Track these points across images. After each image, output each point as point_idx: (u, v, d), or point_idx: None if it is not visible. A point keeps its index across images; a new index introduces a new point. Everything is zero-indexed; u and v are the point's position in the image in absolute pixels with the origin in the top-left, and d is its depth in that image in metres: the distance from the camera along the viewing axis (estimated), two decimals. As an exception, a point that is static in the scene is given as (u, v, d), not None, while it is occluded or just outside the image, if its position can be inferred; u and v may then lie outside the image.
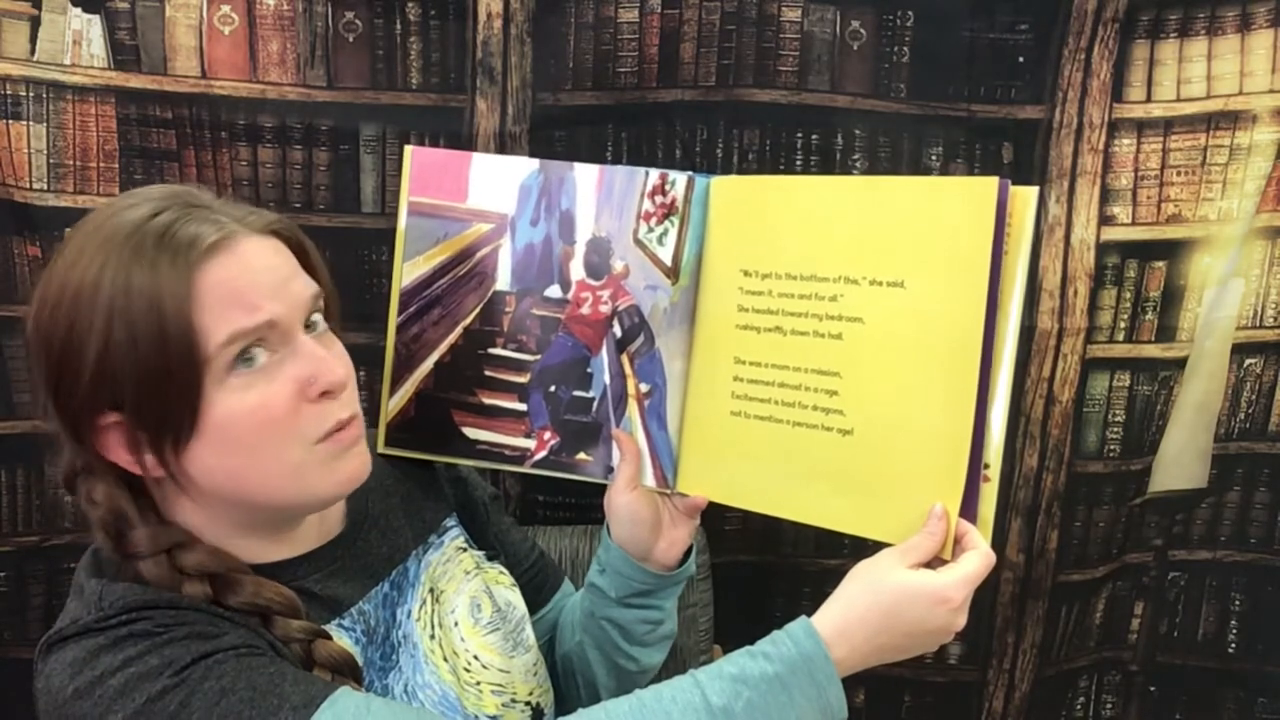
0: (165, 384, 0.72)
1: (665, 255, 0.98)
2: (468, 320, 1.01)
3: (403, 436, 1.00)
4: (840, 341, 0.88)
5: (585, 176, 0.99)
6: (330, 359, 0.78)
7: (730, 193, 0.97)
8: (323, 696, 0.72)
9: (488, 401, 1.01)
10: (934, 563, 0.83)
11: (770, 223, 0.94)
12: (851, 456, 0.88)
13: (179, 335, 0.71)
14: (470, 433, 1.01)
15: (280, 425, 0.76)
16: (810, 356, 0.90)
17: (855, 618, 0.79)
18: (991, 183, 0.81)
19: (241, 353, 0.74)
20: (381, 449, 1.00)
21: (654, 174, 0.98)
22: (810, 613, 0.80)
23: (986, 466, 0.85)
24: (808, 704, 0.76)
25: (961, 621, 0.80)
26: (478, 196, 1.00)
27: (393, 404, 1.01)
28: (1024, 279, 0.84)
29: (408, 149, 1.00)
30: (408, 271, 1.00)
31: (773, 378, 0.92)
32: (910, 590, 0.79)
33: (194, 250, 0.73)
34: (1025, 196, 0.84)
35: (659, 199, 0.98)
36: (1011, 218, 0.84)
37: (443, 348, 1.01)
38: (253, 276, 0.76)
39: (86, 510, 0.79)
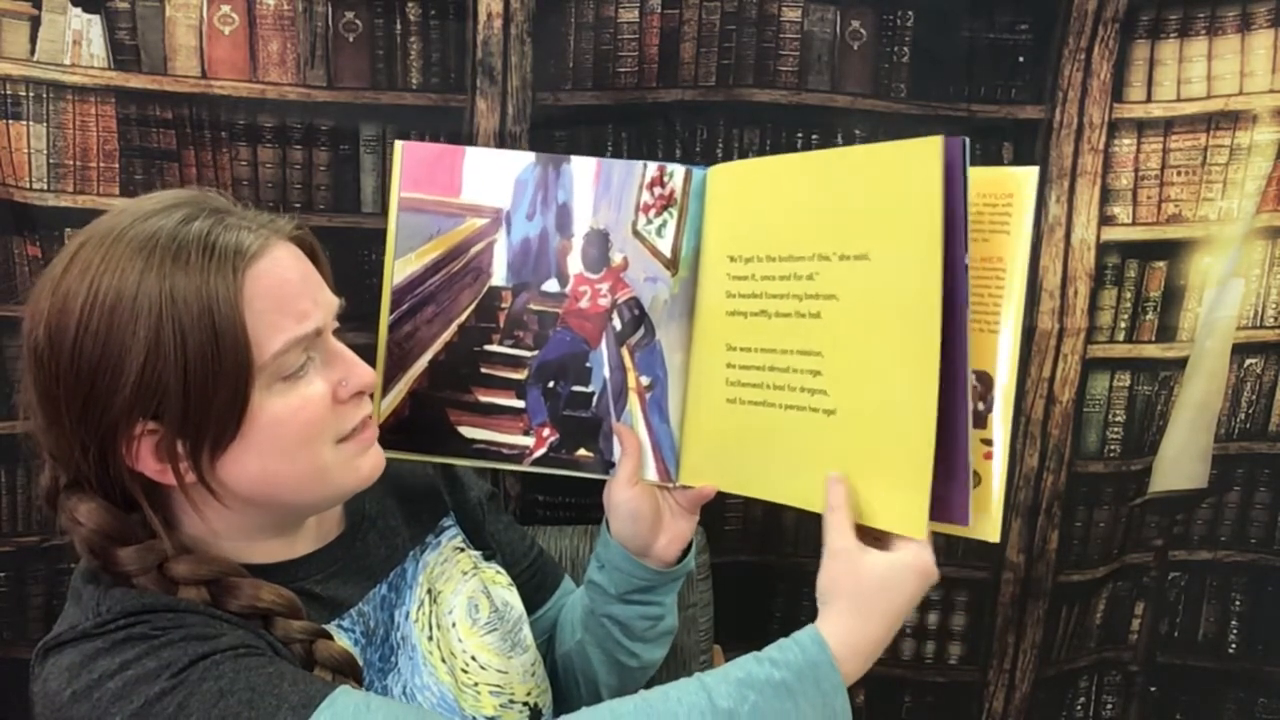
0: (213, 391, 0.72)
1: (664, 247, 0.97)
2: (462, 317, 1.00)
3: (397, 438, 0.98)
4: (819, 320, 0.86)
5: (582, 169, 0.99)
6: (359, 361, 0.81)
7: (721, 181, 0.96)
8: (321, 697, 0.72)
9: (484, 399, 1.00)
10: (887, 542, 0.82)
11: (751, 206, 0.93)
12: (835, 437, 0.85)
13: (232, 342, 0.72)
14: (467, 432, 1.01)
15: (317, 425, 0.78)
16: (794, 337, 0.88)
17: (859, 629, 0.79)
18: (935, 142, 0.77)
19: (292, 358, 0.76)
20: None
21: (652, 166, 0.98)
22: (810, 613, 0.80)
23: (990, 443, 0.84)
24: (813, 712, 0.76)
25: (936, 573, 0.81)
26: (471, 191, 0.99)
27: (385, 404, 0.99)
28: (1025, 261, 0.83)
29: (398, 144, 0.99)
30: (399, 269, 0.99)
31: (762, 362, 0.91)
32: (894, 573, 0.80)
33: (240, 257, 0.74)
34: (1024, 177, 0.83)
35: (657, 191, 0.97)
36: (1010, 198, 0.83)
37: (437, 346, 1.00)
38: (297, 284, 0.77)
39: (69, 529, 0.78)
